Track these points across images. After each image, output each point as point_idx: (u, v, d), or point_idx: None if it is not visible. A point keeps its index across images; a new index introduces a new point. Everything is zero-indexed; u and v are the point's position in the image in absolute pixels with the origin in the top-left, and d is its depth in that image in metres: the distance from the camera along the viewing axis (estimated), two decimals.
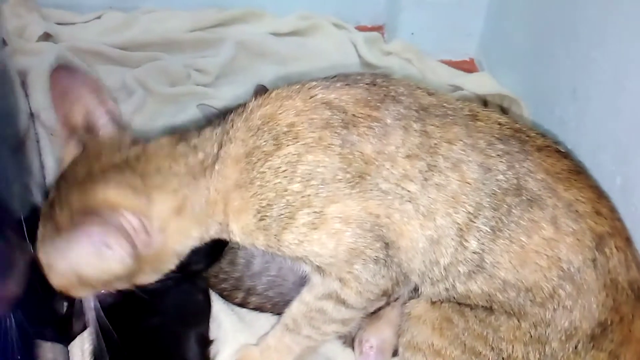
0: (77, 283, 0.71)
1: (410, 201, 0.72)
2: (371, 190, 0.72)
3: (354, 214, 0.72)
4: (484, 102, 1.42)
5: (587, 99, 1.05)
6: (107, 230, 0.65)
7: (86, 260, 0.67)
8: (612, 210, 0.75)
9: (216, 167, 0.74)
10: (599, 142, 1.00)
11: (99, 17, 1.69)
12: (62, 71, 0.78)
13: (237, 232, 0.76)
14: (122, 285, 0.75)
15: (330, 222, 0.71)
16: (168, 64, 1.42)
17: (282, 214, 0.72)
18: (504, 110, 1.38)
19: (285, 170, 0.72)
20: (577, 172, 0.76)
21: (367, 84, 0.78)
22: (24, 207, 0.95)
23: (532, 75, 1.34)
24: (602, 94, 1.00)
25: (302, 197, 0.71)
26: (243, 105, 0.80)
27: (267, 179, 0.72)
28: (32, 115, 1.27)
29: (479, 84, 1.44)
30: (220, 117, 0.94)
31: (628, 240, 0.75)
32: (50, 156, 1.18)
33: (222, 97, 1.42)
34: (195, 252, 0.87)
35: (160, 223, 0.71)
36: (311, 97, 0.75)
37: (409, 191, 0.72)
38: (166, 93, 1.39)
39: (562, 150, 0.78)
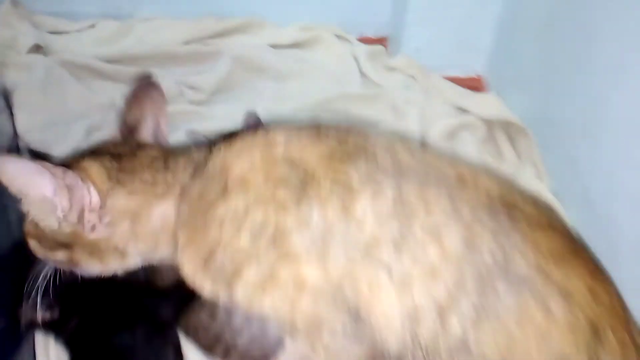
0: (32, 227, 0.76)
1: (380, 271, 0.65)
2: (332, 255, 0.65)
3: (311, 280, 0.65)
4: (490, 128, 1.35)
5: (599, 139, 0.98)
6: (66, 184, 0.69)
7: (37, 192, 0.70)
8: (611, 292, 0.68)
9: (178, 197, 0.74)
10: (612, 189, 0.93)
11: (92, 26, 1.63)
12: (151, 82, 0.92)
13: (185, 270, 0.74)
14: (63, 260, 0.76)
15: (283, 285, 0.66)
16: (160, 81, 1.36)
17: (228, 267, 0.68)
18: (510, 139, 1.31)
19: (231, 223, 0.68)
20: (573, 251, 0.68)
21: (338, 138, 0.71)
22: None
23: (542, 102, 1.26)
24: (616, 137, 0.93)
25: (248, 253, 0.67)
26: (217, 144, 0.77)
27: (213, 227, 0.70)
28: (16, 136, 1.22)
29: (485, 106, 1.37)
30: (205, 146, 0.94)
31: (628, 325, 0.68)
32: None
33: (215, 116, 1.36)
34: (164, 300, 0.83)
35: (112, 218, 0.73)
36: (271, 151, 0.71)
37: (379, 259, 0.65)
38: None
39: (558, 225, 0.71)
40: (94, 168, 0.74)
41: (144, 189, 0.75)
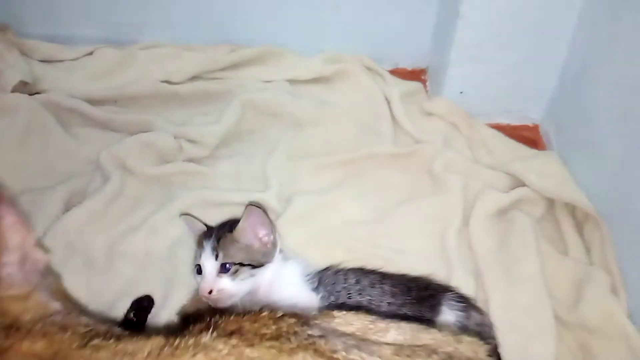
0: None
1: None
2: None
3: None
4: (551, 205, 1.10)
5: None
6: None
7: None
8: None
9: None
10: None
11: (90, 54, 1.44)
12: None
13: None
14: None
15: None
16: (154, 136, 1.16)
17: None
18: (577, 224, 1.06)
19: None
20: None
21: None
22: None
23: (616, 177, 1.01)
24: None
25: None
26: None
27: None
28: None
29: (545, 175, 1.12)
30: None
31: None
32: None
33: (218, 179, 1.16)
34: None
35: None
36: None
37: None
38: (150, 174, 1.14)
39: None
40: None
41: None
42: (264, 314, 0.54)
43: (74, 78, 1.37)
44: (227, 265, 0.89)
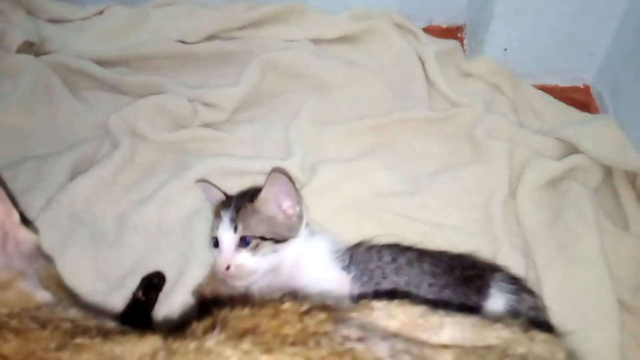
0: None
1: None
2: None
3: None
4: (608, 174, 0.98)
5: None
6: None
7: None
8: None
9: None
10: None
11: (101, 13, 1.34)
12: None
13: None
14: None
15: None
16: (167, 99, 1.07)
17: None
18: (638, 196, 0.94)
19: None
20: None
21: None
22: None
23: None
24: None
25: None
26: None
27: None
28: None
29: (601, 141, 0.99)
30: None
31: None
32: None
33: (237, 146, 1.06)
34: None
35: None
36: None
37: None
38: (163, 140, 1.04)
39: None
40: None
41: None
42: (286, 306, 0.43)
43: (83, 38, 1.27)
44: (247, 239, 0.80)
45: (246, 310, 0.43)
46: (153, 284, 0.83)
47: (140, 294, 0.80)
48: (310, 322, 0.42)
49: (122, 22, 1.31)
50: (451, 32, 1.34)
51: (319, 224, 0.89)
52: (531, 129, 1.07)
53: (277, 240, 0.81)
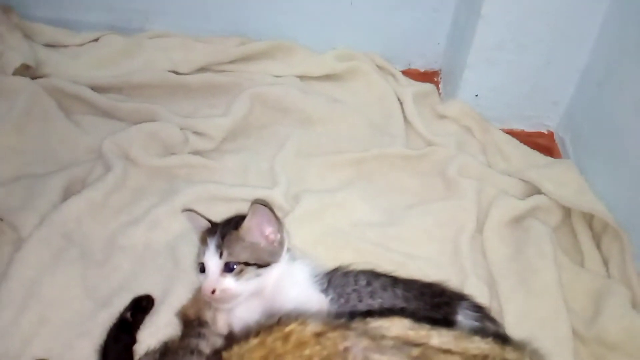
0: None
1: None
2: None
3: None
4: (567, 215, 1.06)
5: None
6: None
7: None
8: None
9: None
10: None
11: (96, 40, 1.39)
12: None
13: None
14: None
15: None
16: (160, 126, 1.12)
17: None
18: (595, 236, 1.02)
19: None
20: None
21: None
22: None
23: (638, 187, 0.97)
24: None
25: None
26: None
27: None
28: None
29: (562, 184, 1.08)
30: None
31: None
32: None
33: (224, 174, 1.12)
34: None
35: None
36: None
37: None
38: (154, 165, 1.09)
39: None
40: None
41: None
42: (291, 327, 0.46)
43: (78, 64, 1.32)
44: (232, 265, 0.84)
45: (254, 341, 0.46)
46: (142, 306, 0.86)
47: (128, 315, 0.84)
48: (327, 342, 0.44)
49: (116, 50, 1.36)
50: (428, 76, 1.44)
51: (300, 249, 0.95)
52: (498, 169, 1.16)
53: (260, 265, 0.86)
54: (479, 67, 1.23)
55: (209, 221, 0.92)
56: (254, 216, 0.86)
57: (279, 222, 0.90)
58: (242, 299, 0.85)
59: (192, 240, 0.95)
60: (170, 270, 0.94)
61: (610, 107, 1.09)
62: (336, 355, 0.44)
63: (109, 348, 0.80)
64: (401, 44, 1.43)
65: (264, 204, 0.87)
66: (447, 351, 0.45)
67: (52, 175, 1.03)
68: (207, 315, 0.86)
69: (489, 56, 1.21)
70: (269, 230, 0.88)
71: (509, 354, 0.48)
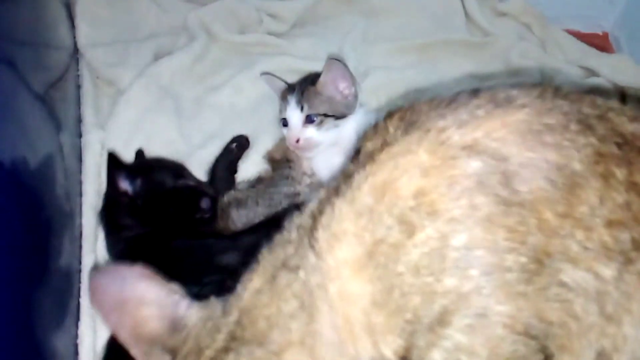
0: None
1: (595, 299, 0.48)
2: (551, 285, 0.48)
3: (523, 318, 0.48)
4: (622, 97, 1.12)
5: None
6: None
7: None
8: None
9: (330, 288, 0.51)
10: None
11: None
12: (101, 276, 0.61)
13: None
14: None
15: (493, 326, 0.48)
16: (238, 5, 1.19)
17: (433, 323, 0.49)
18: None
19: (429, 264, 0.48)
20: None
21: (528, 103, 0.51)
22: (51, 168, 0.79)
23: None
24: None
25: (458, 295, 0.48)
26: (347, 176, 0.53)
27: (407, 282, 0.49)
28: (76, 51, 1.09)
29: (618, 69, 1.13)
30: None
31: None
32: (91, 107, 1.00)
33: (297, 52, 1.18)
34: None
35: None
36: (442, 143, 0.49)
37: (600, 280, 0.47)
38: (233, 41, 1.16)
39: None
40: None
41: (297, 321, 0.54)
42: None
43: None
44: (312, 117, 0.92)
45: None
46: (241, 142, 0.98)
47: (233, 145, 0.94)
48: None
49: None
50: None
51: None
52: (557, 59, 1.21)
53: (337, 117, 0.94)
54: None
55: (286, 83, 1.00)
56: (329, 71, 0.93)
57: (352, 77, 0.96)
58: (323, 148, 0.93)
59: (273, 104, 1.03)
60: (255, 125, 1.02)
61: None
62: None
63: (215, 172, 0.90)
64: None
65: (338, 59, 0.94)
66: None
67: (141, 42, 1.11)
68: (293, 156, 0.95)
69: None
70: (343, 84, 0.95)
71: None
